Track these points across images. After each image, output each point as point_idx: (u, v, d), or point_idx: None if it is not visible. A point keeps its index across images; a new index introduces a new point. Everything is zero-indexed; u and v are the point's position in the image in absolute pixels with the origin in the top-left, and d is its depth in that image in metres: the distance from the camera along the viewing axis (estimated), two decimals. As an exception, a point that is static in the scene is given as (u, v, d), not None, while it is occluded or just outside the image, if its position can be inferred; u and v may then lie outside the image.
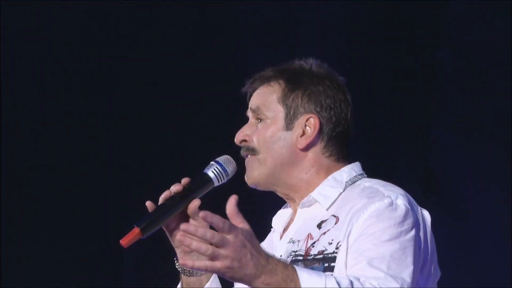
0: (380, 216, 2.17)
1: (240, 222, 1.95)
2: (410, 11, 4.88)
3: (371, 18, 4.90)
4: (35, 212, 5.49)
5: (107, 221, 5.41)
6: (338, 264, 2.20)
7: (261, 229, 2.45)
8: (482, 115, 4.89)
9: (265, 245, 2.41)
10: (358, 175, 2.37)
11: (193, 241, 1.90)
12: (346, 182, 2.34)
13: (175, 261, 2.34)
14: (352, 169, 2.38)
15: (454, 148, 4.85)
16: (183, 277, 2.36)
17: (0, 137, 5.48)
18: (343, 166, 2.37)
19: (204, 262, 1.91)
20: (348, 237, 2.19)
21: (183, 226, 1.98)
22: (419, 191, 4.52)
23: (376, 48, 4.93)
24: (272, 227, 2.49)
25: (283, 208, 2.48)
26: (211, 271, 2.01)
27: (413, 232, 2.19)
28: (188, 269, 2.32)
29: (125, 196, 5.45)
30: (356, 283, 2.02)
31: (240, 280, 1.95)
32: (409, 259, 2.14)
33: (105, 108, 5.33)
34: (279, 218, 2.46)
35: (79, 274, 5.42)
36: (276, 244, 2.40)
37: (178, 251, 2.30)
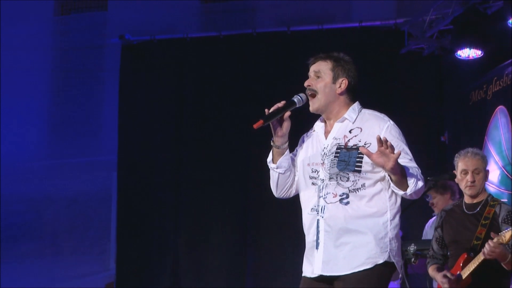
0: (393, 132, 3.49)
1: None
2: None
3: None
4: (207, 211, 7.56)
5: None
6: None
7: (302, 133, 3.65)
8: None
9: (314, 139, 3.65)
10: (361, 108, 3.62)
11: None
12: (358, 110, 3.60)
13: (272, 141, 3.60)
14: (358, 104, 3.62)
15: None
16: (274, 148, 3.62)
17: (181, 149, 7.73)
18: (354, 103, 3.62)
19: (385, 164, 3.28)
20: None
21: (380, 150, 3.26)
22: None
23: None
24: (313, 130, 3.67)
25: (317, 123, 3.67)
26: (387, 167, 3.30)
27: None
28: (278, 145, 3.59)
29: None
30: (415, 170, 3.42)
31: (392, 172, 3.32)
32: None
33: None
34: (319, 127, 3.65)
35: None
36: (323, 139, 3.59)
37: (275, 135, 3.59)
